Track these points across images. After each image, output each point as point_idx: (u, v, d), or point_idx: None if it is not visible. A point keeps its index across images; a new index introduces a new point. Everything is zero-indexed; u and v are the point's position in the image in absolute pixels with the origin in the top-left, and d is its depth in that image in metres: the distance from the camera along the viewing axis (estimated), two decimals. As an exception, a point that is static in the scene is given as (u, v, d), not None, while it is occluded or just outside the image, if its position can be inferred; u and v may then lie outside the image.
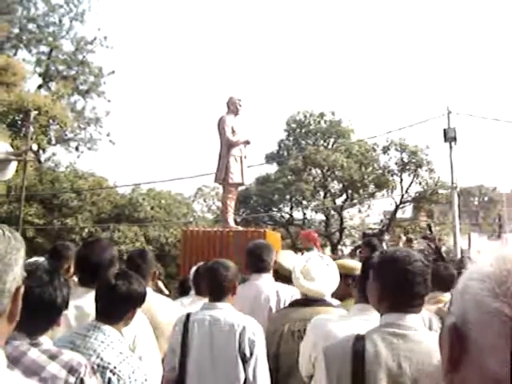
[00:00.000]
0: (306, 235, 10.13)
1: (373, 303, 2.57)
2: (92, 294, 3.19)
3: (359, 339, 2.38)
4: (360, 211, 37.40)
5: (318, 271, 3.85)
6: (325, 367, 2.43)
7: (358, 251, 10.59)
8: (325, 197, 36.01)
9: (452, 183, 20.12)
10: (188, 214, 28.70)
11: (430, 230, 14.86)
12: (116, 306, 2.89)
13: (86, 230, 22.63)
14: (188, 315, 3.79)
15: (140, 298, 3.02)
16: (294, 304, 4.06)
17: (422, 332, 2.37)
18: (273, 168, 36.83)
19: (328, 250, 28.77)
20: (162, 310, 4.10)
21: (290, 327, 3.85)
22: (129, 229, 23.34)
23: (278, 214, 35.57)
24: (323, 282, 3.84)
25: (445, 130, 19.38)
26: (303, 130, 37.04)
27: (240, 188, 11.10)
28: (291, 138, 37.39)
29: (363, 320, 2.95)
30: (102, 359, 2.67)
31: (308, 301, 3.86)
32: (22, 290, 1.37)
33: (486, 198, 56.23)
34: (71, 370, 2.28)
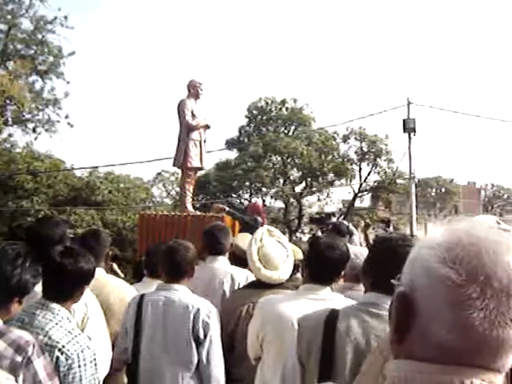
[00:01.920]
0: (255, 206, 10.21)
1: (363, 284, 2.59)
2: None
3: (333, 313, 2.41)
4: (319, 199, 37.68)
5: (277, 257, 3.83)
6: (297, 336, 2.45)
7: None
8: (284, 184, 36.16)
9: (410, 173, 20.39)
10: (147, 198, 28.50)
11: (388, 222, 15.08)
12: (63, 285, 2.82)
13: (42, 213, 22.25)
14: (142, 296, 3.75)
15: (88, 276, 2.94)
16: (254, 286, 4.03)
17: None
18: (233, 154, 36.84)
19: (286, 237, 28.84)
20: (114, 291, 4.04)
21: (249, 309, 3.84)
22: (86, 212, 23.06)
23: (237, 201, 35.56)
24: (284, 269, 3.83)
25: (404, 120, 19.60)
26: (264, 117, 37.05)
27: (199, 173, 11.05)
28: (252, 125, 37.38)
29: (310, 299, 2.99)
30: (50, 338, 2.61)
31: (266, 284, 3.84)
32: None
33: (443, 190, 57.03)
34: (18, 348, 2.24)
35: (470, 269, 0.95)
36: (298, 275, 4.03)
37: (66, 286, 2.83)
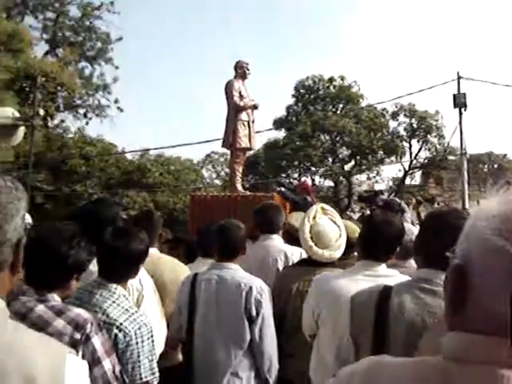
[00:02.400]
0: (299, 186, 10.18)
1: (414, 261, 2.54)
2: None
3: (387, 290, 2.38)
4: (369, 177, 37.32)
5: (329, 235, 3.82)
6: (350, 314, 2.45)
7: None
8: (333, 163, 35.97)
9: (461, 149, 20.02)
10: (197, 180, 28.76)
11: (433, 200, 14.94)
12: (117, 265, 2.88)
13: (95, 196, 22.69)
14: (195, 275, 3.79)
15: (141, 256, 2.99)
16: (304, 263, 4.04)
17: None
18: (281, 133, 36.74)
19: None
20: (168, 270, 4.11)
21: (299, 287, 3.84)
22: (138, 195, 23.44)
23: (287, 180, 35.52)
24: (336, 247, 3.82)
25: (454, 95, 19.22)
26: (312, 96, 36.79)
27: (248, 153, 11.06)
28: (300, 104, 37.17)
29: (365, 276, 2.96)
30: (108, 316, 2.68)
31: (318, 262, 3.84)
32: (24, 240, 1.35)
33: (495, 165, 55.83)
34: (77, 326, 2.29)
35: None
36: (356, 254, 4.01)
37: (119, 267, 2.90)
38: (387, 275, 2.96)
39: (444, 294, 1.07)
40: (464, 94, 19.24)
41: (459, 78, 19.32)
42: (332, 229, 3.87)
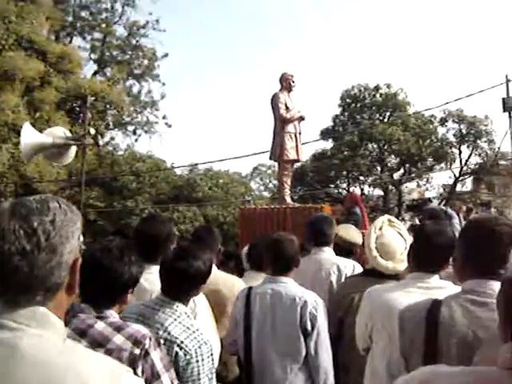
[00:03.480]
0: (352, 196, 10.14)
1: (456, 272, 2.48)
2: (149, 270, 3.25)
3: (436, 304, 2.35)
4: (418, 185, 36.92)
5: (394, 246, 3.79)
6: (399, 330, 2.42)
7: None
8: (382, 171, 35.66)
9: (513, 154, 19.61)
10: (246, 193, 28.85)
11: (489, 204, 14.68)
12: (179, 285, 2.92)
13: (146, 212, 22.98)
14: (250, 289, 3.81)
15: (204, 276, 3.02)
16: (368, 274, 3.99)
17: None
18: (328, 144, 36.64)
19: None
20: (223, 285, 4.14)
21: (361, 297, 3.82)
22: (188, 209, 23.62)
23: (336, 191, 35.38)
24: (400, 260, 3.76)
25: (504, 99, 18.87)
26: (358, 105, 36.59)
27: (296, 165, 11.08)
28: (346, 113, 36.98)
29: (418, 288, 2.91)
30: (169, 333, 2.73)
31: (381, 273, 3.80)
32: (80, 262, 1.39)
33: (549, 169, 54.51)
34: (136, 341, 2.34)
35: None
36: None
37: (182, 286, 2.93)
38: (440, 287, 2.90)
39: (497, 307, 1.07)
40: (514, 97, 18.88)
41: (508, 81, 18.97)
42: (398, 241, 3.83)
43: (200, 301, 3.48)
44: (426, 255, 2.98)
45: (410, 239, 3.97)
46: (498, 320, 2.15)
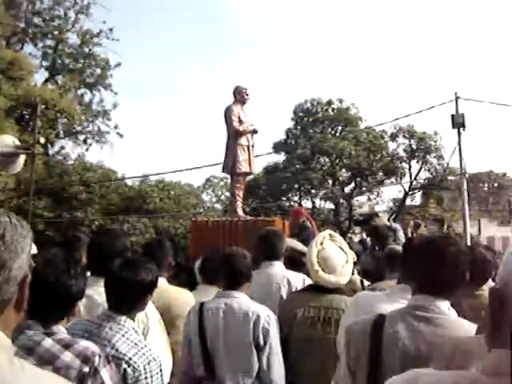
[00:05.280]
0: (297, 212, 10.15)
1: (409, 284, 2.55)
2: (101, 283, 3.19)
3: (381, 319, 2.38)
4: (369, 199, 37.39)
5: (336, 260, 3.83)
6: (346, 344, 2.43)
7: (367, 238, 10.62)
8: (333, 185, 36.01)
9: (461, 169, 19.98)
10: (197, 204, 28.75)
11: (442, 221, 14.95)
12: (126, 297, 2.87)
13: (96, 223, 22.68)
14: (202, 304, 3.77)
15: (150, 287, 2.97)
16: (309, 289, 4.03)
17: (447, 317, 2.34)
18: (281, 157, 36.81)
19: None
20: (174, 299, 4.08)
21: (305, 313, 3.83)
22: (138, 220, 23.40)
23: (287, 204, 35.52)
24: (342, 274, 3.83)
25: (453, 115, 19.22)
26: (311, 119, 36.92)
27: (248, 177, 11.09)
28: (299, 127, 37.27)
29: (406, 299, 2.90)
30: (117, 350, 2.66)
31: (324, 288, 3.85)
32: (29, 278, 1.35)
33: (495, 184, 55.90)
34: (85, 359, 2.28)
35: None
36: (381, 283, 4.01)
37: (128, 298, 2.88)
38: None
39: (485, 316, 1.17)
40: (462, 114, 19.20)
41: (457, 98, 19.33)
42: (339, 255, 3.88)
43: (152, 314, 3.43)
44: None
45: (351, 253, 4.04)
46: (445, 335, 2.23)
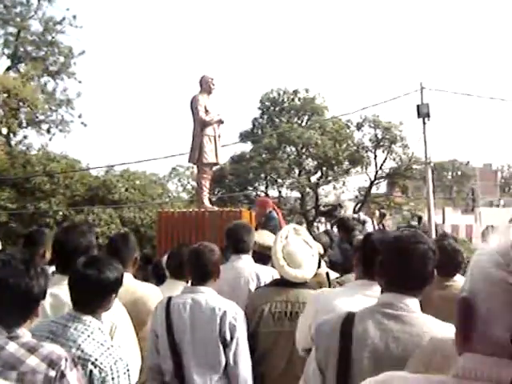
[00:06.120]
0: (263, 202, 10.11)
1: (377, 281, 2.54)
2: (66, 281, 3.12)
3: (349, 317, 2.38)
4: (335, 188, 37.59)
5: (301, 254, 3.83)
6: (315, 343, 2.43)
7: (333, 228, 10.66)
8: (300, 174, 36.10)
9: (426, 158, 20.22)
10: (163, 194, 28.53)
11: (420, 219, 15.24)
12: (90, 296, 2.80)
13: (60, 214, 22.36)
14: (169, 299, 3.75)
15: (115, 284, 2.91)
16: (275, 284, 4.04)
17: (416, 315, 2.34)
18: (247, 147, 36.76)
19: (304, 227, 28.88)
20: (142, 296, 4.01)
21: (271, 308, 3.84)
22: (103, 211, 23.11)
23: (254, 193, 35.54)
24: (308, 268, 3.83)
25: (418, 105, 19.40)
26: (277, 108, 36.89)
27: (214, 167, 11.04)
28: (265, 116, 37.22)
29: (365, 296, 2.87)
30: (82, 351, 2.60)
31: (290, 282, 3.84)
32: None
33: (459, 173, 56.67)
34: (51, 363, 2.23)
35: None
36: (350, 276, 4.00)
37: (93, 297, 2.82)
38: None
39: (454, 323, 1.16)
40: (427, 104, 19.41)
41: (422, 88, 19.50)
42: (304, 249, 3.88)
43: (119, 312, 3.37)
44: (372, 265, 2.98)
45: (316, 246, 4.04)
46: (414, 333, 2.23)
